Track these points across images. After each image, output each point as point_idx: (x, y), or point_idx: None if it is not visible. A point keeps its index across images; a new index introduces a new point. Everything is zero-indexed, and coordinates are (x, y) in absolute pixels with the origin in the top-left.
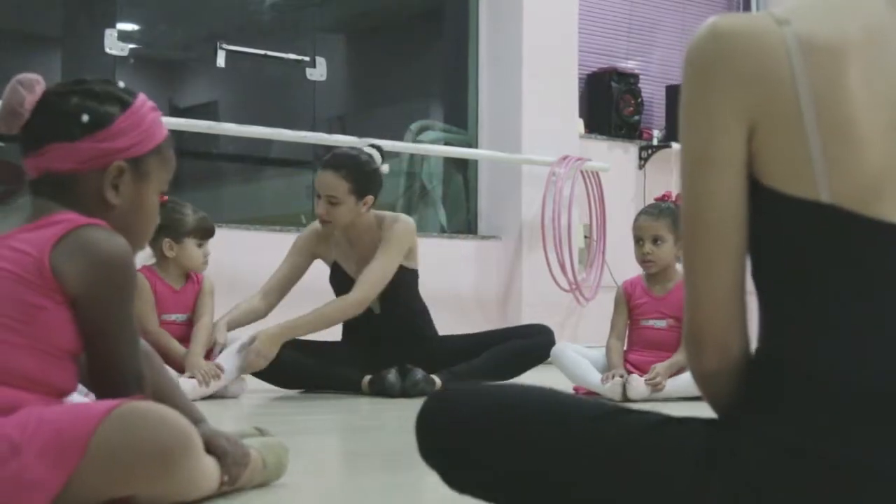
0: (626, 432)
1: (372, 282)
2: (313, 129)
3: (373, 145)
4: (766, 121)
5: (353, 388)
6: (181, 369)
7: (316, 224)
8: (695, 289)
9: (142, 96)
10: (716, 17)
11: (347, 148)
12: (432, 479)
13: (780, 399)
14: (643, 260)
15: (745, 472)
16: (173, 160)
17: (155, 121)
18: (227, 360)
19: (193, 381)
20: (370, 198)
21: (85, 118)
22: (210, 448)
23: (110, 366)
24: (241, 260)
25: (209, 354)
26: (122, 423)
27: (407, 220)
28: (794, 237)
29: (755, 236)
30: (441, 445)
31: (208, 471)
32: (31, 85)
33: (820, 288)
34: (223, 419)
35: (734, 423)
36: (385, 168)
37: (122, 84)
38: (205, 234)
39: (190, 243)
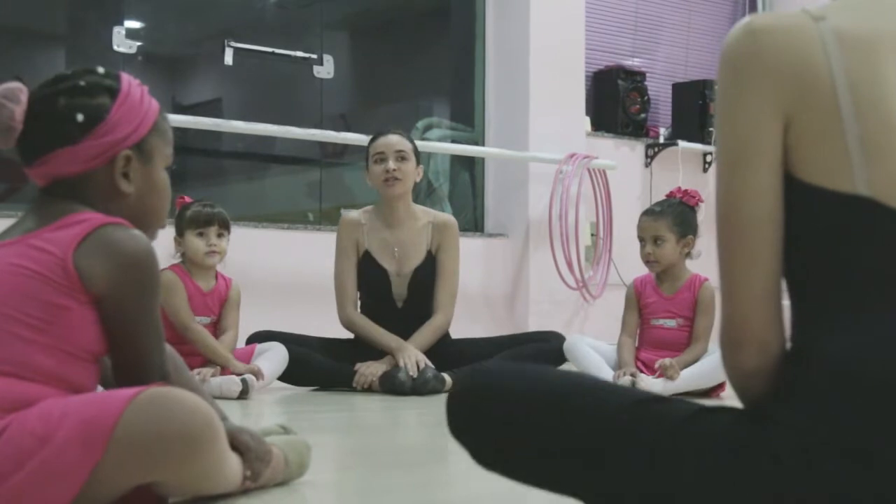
0: (662, 420)
1: (452, 298)
2: (320, 126)
3: None
4: (802, 115)
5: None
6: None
7: (346, 216)
8: (731, 287)
9: (125, 76)
10: (751, 16)
11: None
12: (449, 477)
13: (813, 392)
14: (646, 260)
15: (777, 464)
16: (170, 130)
17: (145, 98)
18: (266, 363)
19: (215, 379)
20: (421, 168)
21: (80, 117)
22: (234, 444)
23: (136, 364)
24: (249, 257)
25: None
26: (146, 408)
27: (455, 223)
28: (829, 231)
29: (790, 232)
30: (474, 421)
31: (232, 463)
32: (16, 96)
33: (855, 282)
34: (237, 418)
35: (766, 415)
36: None
37: (101, 69)
38: (199, 223)
39: (190, 236)
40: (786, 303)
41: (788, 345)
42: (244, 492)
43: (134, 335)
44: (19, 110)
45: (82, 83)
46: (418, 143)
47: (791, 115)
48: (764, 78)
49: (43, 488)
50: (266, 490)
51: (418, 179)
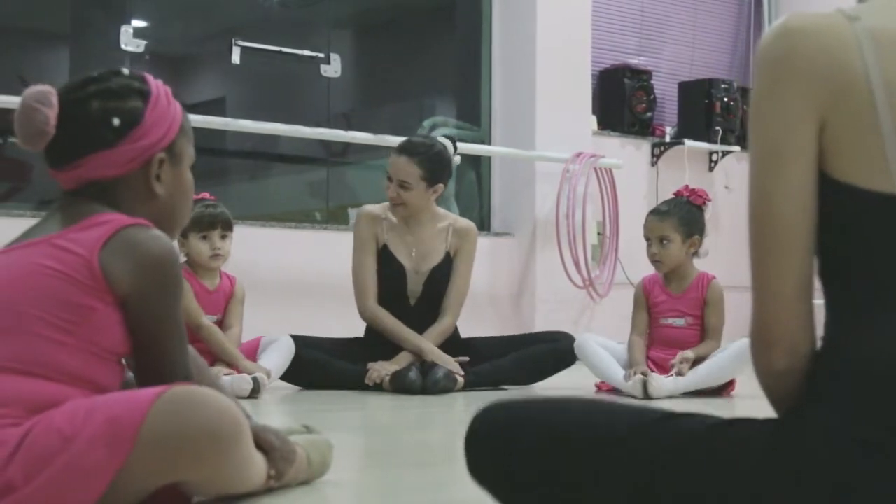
0: (681, 436)
1: (461, 301)
2: (327, 125)
3: (447, 136)
4: (838, 114)
5: (374, 385)
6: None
7: (365, 209)
8: (763, 287)
9: (150, 78)
10: (786, 16)
11: (422, 136)
12: (466, 476)
13: (839, 390)
14: (652, 260)
15: (807, 463)
16: (192, 129)
17: (171, 98)
18: (270, 361)
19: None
20: (440, 186)
21: (116, 122)
22: (258, 443)
23: (159, 365)
24: (255, 257)
25: None
26: (172, 406)
27: (476, 230)
28: (863, 230)
29: (824, 232)
30: (493, 464)
31: (257, 462)
32: (48, 99)
33: (886, 281)
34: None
35: (795, 416)
36: (457, 159)
37: (125, 70)
38: (202, 226)
39: (193, 239)
40: (817, 302)
41: (819, 344)
42: (268, 490)
43: (157, 336)
44: (52, 113)
45: (114, 86)
46: None
47: (826, 115)
48: (799, 79)
49: (69, 487)
50: (289, 489)
51: (434, 198)
